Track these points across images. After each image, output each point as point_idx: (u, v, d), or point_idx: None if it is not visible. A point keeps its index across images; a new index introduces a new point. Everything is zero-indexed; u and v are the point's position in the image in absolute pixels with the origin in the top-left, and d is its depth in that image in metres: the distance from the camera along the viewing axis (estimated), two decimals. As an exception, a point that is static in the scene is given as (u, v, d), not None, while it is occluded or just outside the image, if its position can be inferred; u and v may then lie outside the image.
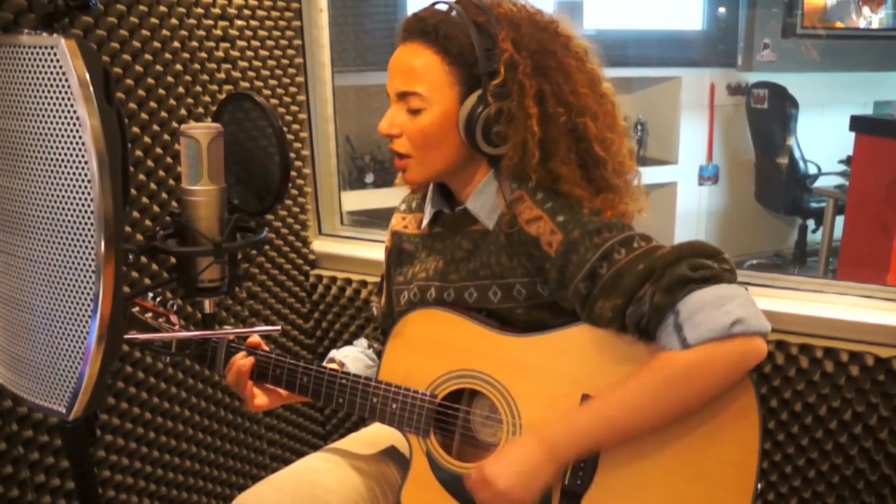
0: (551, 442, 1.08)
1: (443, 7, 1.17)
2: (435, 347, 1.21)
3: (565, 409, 1.11)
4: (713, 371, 1.02)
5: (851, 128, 3.26)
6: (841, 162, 3.85)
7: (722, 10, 4.20)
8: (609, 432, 1.08)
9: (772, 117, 4.10)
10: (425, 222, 1.29)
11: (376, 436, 1.42)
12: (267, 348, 1.33)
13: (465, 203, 1.22)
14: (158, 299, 1.29)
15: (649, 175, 4.14)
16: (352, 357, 1.41)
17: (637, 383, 1.06)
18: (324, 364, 1.30)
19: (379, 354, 1.37)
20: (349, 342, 2.05)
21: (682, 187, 4.17)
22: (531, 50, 1.13)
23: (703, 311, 1.01)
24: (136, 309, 1.27)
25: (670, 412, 1.06)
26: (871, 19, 4.01)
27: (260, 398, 1.31)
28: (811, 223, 4.18)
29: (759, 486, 1.07)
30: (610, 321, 1.08)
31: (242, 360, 1.28)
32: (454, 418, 1.22)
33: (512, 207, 1.16)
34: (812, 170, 4.08)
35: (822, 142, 4.08)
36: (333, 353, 1.43)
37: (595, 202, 1.14)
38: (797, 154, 4.07)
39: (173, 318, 1.27)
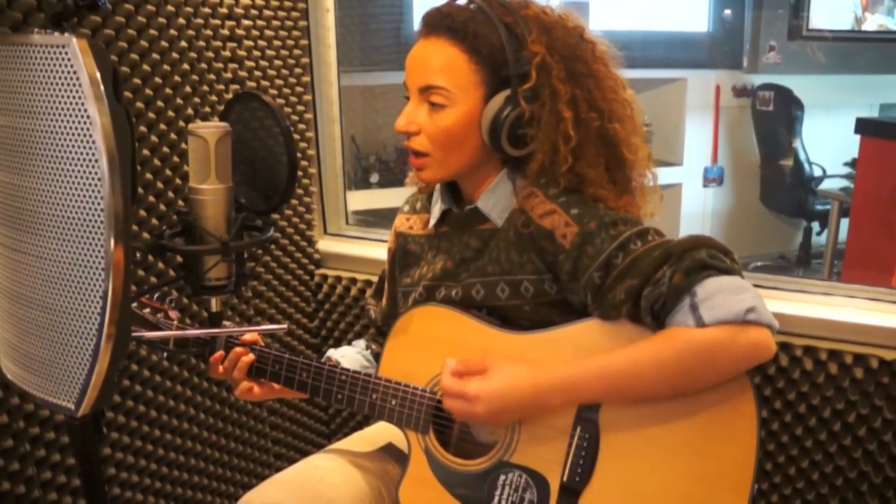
0: (546, 390, 1.09)
1: (467, 3, 1.15)
2: (435, 344, 1.21)
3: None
4: (725, 355, 1.03)
5: (857, 130, 3.26)
6: (846, 164, 3.85)
7: (728, 11, 4.20)
8: (605, 392, 1.09)
9: (777, 119, 4.10)
10: (433, 221, 1.29)
11: (380, 435, 1.42)
12: (263, 344, 1.31)
13: (476, 202, 1.22)
14: (157, 296, 1.27)
15: (654, 176, 4.14)
16: (349, 357, 1.40)
17: (648, 350, 1.05)
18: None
19: (377, 356, 1.37)
20: (353, 342, 2.06)
21: (687, 189, 4.17)
22: (563, 55, 1.13)
23: (720, 294, 1.02)
24: (133, 304, 1.26)
25: (672, 387, 1.06)
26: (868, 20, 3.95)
27: (254, 389, 1.30)
28: (816, 225, 4.18)
29: (757, 485, 1.07)
30: (622, 303, 1.07)
31: (244, 357, 1.27)
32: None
33: (523, 203, 1.16)
34: (817, 172, 4.08)
35: (828, 144, 4.08)
36: (330, 353, 1.42)
37: (619, 202, 1.15)
38: (802, 156, 4.07)
39: (172, 315, 1.26)
